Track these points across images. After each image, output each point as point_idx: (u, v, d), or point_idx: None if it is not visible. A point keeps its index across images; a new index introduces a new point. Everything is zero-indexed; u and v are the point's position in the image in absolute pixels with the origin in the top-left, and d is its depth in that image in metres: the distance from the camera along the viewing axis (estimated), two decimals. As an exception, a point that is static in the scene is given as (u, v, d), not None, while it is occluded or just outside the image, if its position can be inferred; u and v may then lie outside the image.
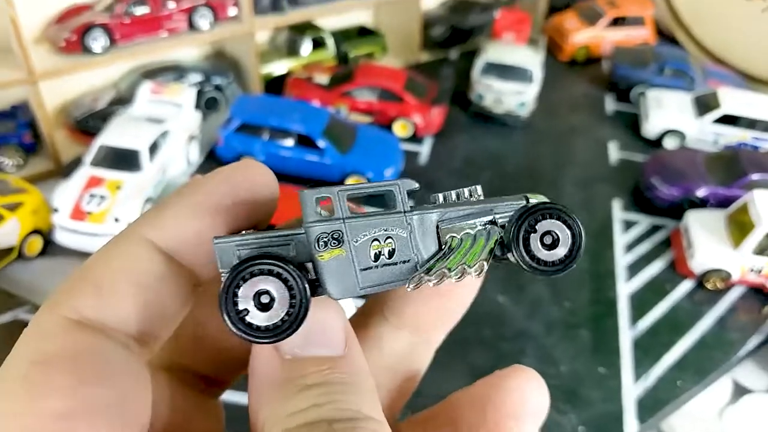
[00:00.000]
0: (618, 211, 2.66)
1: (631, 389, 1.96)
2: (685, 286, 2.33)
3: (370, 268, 0.40)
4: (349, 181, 2.55)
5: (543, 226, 0.41)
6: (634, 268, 2.39)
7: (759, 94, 3.12)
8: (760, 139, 2.94)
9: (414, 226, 0.41)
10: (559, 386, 1.94)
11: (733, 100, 3.00)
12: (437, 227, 0.42)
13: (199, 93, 2.83)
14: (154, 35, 2.74)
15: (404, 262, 0.41)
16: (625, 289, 2.30)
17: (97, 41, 2.59)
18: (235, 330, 0.37)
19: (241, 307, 0.37)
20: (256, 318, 0.37)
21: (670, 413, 1.97)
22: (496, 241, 0.42)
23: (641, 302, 2.25)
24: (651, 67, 3.35)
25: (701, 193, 2.58)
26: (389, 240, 0.40)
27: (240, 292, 0.37)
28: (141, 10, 2.67)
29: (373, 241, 0.40)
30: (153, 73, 2.86)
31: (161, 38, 2.76)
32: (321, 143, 2.54)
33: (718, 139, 2.99)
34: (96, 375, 0.35)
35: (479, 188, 0.44)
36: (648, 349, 2.09)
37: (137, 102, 2.58)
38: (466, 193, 0.44)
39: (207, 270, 0.41)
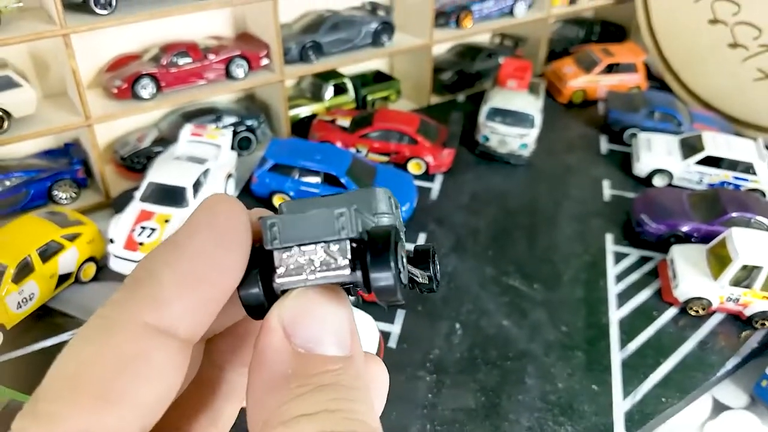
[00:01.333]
0: (610, 244, 2.89)
1: (621, 404, 2.15)
2: (670, 312, 2.54)
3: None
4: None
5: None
6: (625, 296, 2.60)
7: (740, 138, 3.37)
8: (740, 179, 3.20)
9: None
10: (557, 401, 2.15)
11: (715, 142, 3.26)
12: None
13: (234, 134, 3.11)
14: (195, 83, 3.03)
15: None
16: (616, 315, 2.51)
17: (146, 89, 2.88)
18: (397, 283, 0.40)
19: (400, 265, 0.41)
20: (403, 276, 0.41)
21: (655, 427, 2.16)
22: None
23: (630, 327, 2.46)
24: (642, 112, 3.63)
25: (685, 228, 2.81)
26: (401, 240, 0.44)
27: (398, 252, 0.41)
28: (184, 61, 2.97)
29: (399, 240, 0.42)
30: (191, 115, 3.14)
31: (201, 85, 3.06)
32: (344, 181, 2.82)
33: (702, 179, 3.25)
34: None
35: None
36: (636, 368, 2.28)
37: (179, 143, 2.85)
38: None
39: (209, 330, 0.41)
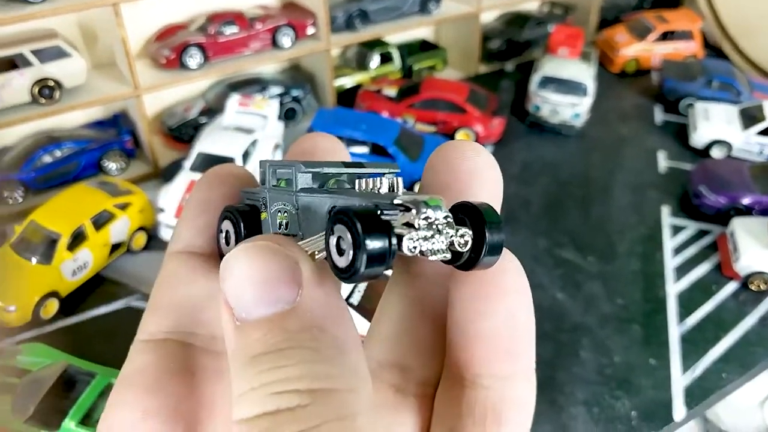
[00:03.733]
0: (667, 217, 2.81)
1: (680, 379, 2.10)
2: (731, 287, 2.46)
3: (277, 233, 0.43)
4: (417, 186, 2.77)
5: (337, 230, 0.36)
6: (682, 270, 2.53)
7: (804, 107, 3.23)
8: (805, 150, 3.08)
9: (300, 205, 0.41)
10: (613, 374, 2.11)
11: (778, 112, 3.13)
12: (330, 212, 0.39)
13: (280, 104, 3.08)
14: (242, 53, 3.01)
15: (294, 235, 0.42)
16: (673, 288, 2.44)
17: (193, 58, 2.86)
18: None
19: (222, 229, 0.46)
20: (222, 246, 0.45)
21: (715, 402, 2.10)
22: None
23: (689, 301, 2.39)
24: (699, 81, 3.50)
25: (746, 201, 2.71)
26: (285, 213, 0.43)
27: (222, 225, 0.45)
28: (231, 30, 2.94)
29: (278, 212, 0.43)
30: (237, 85, 3.13)
31: (248, 55, 3.03)
32: (392, 151, 2.78)
33: (763, 150, 3.12)
34: (153, 387, 0.40)
35: (400, 181, 0.41)
36: (695, 343, 2.23)
37: (226, 113, 2.84)
38: (385, 186, 0.40)
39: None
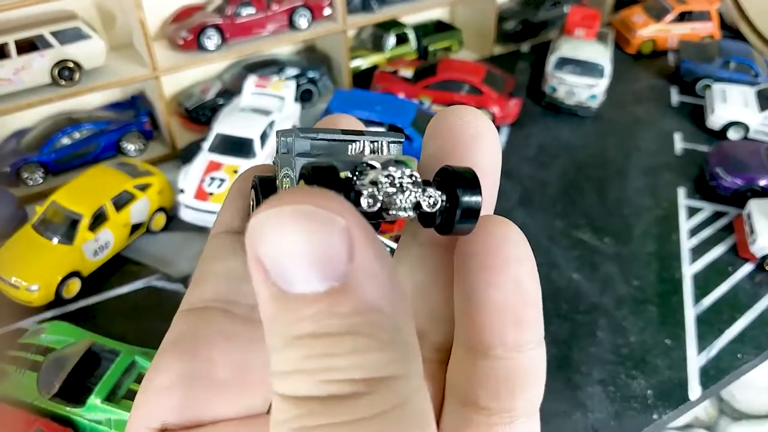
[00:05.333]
0: (683, 198, 2.81)
1: (695, 359, 2.12)
2: (747, 268, 2.47)
3: None
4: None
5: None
6: (698, 251, 2.54)
7: (822, 88, 3.21)
8: (823, 132, 3.06)
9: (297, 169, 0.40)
10: (629, 354, 2.13)
11: (796, 93, 3.11)
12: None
13: (296, 86, 3.09)
14: (259, 34, 3.01)
15: None
16: (689, 269, 2.45)
17: (211, 40, 2.87)
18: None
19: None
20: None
21: (730, 382, 2.12)
22: None
23: (704, 282, 2.40)
24: (716, 62, 3.47)
25: (763, 182, 2.71)
26: (288, 179, 0.40)
27: None
28: (248, 11, 2.94)
29: (284, 177, 0.41)
30: (253, 66, 3.13)
31: (265, 36, 3.03)
32: (409, 132, 2.79)
33: (780, 131, 3.12)
34: (189, 351, 0.41)
35: (385, 144, 0.41)
36: (711, 324, 2.24)
37: (243, 95, 2.84)
38: (367, 149, 0.41)
39: None
